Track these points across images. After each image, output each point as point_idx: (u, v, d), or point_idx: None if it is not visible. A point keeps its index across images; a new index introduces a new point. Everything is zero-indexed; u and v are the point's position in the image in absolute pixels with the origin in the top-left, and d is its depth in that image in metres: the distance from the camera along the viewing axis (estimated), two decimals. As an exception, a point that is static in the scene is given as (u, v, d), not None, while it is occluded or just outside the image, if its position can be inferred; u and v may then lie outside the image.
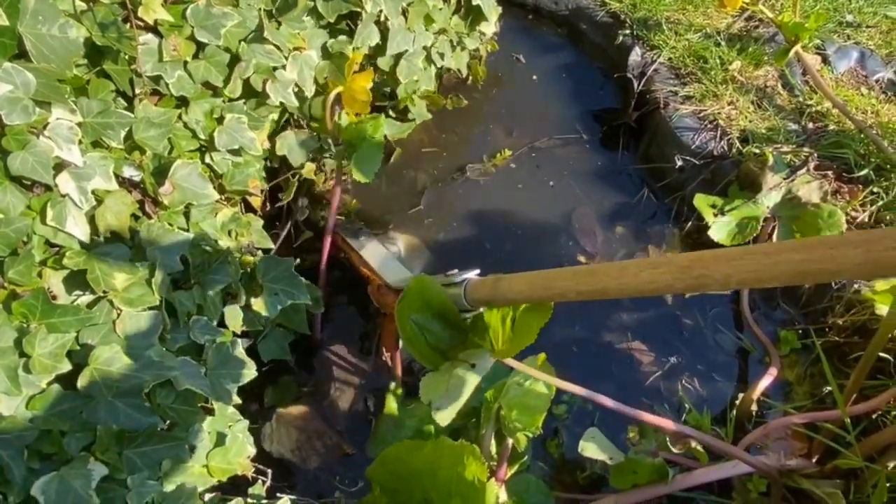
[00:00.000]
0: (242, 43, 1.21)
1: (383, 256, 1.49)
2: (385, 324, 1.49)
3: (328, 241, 1.43)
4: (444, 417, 1.02)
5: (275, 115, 1.36)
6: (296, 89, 1.33)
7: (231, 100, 1.26)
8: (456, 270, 1.23)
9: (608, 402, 1.10)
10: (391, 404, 1.37)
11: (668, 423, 1.14)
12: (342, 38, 1.40)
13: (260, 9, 1.22)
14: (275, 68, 1.27)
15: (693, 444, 1.26)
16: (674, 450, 1.24)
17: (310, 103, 1.41)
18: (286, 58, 1.27)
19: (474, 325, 1.18)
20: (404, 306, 1.15)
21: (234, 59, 1.22)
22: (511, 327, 1.11)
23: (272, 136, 1.38)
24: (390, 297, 1.38)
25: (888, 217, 1.51)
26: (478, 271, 1.22)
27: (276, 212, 1.63)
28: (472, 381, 1.06)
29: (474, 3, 1.62)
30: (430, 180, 1.84)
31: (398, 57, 1.50)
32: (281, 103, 1.30)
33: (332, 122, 1.28)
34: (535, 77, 2.12)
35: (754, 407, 1.38)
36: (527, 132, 1.96)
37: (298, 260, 1.31)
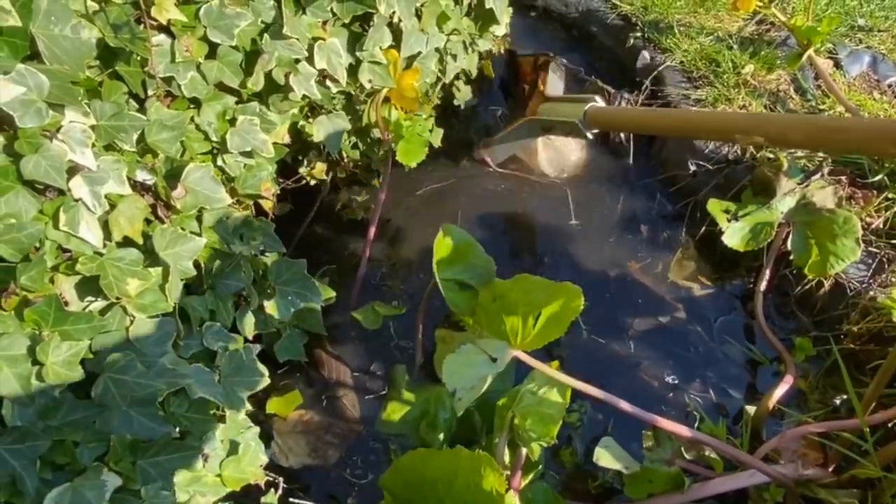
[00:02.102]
0: (265, 35, 1.18)
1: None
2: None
3: (371, 230, 1.55)
4: (462, 406, 1.03)
5: (296, 109, 1.34)
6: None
7: (251, 96, 1.24)
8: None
9: (626, 406, 1.09)
10: (398, 385, 1.43)
11: (683, 430, 1.13)
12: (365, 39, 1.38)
13: (275, 3, 1.19)
14: (297, 60, 1.25)
15: (707, 451, 1.25)
16: (687, 456, 1.22)
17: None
18: (307, 50, 1.25)
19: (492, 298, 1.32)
20: (439, 264, 1.33)
21: (249, 57, 1.19)
22: (535, 322, 1.15)
23: (295, 129, 1.38)
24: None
25: (903, 224, 1.50)
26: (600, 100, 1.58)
27: (288, 212, 1.63)
28: (493, 373, 1.07)
29: (487, 6, 1.60)
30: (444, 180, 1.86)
31: (412, 59, 1.48)
32: (304, 96, 1.28)
33: (380, 118, 1.41)
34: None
35: (769, 416, 1.36)
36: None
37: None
